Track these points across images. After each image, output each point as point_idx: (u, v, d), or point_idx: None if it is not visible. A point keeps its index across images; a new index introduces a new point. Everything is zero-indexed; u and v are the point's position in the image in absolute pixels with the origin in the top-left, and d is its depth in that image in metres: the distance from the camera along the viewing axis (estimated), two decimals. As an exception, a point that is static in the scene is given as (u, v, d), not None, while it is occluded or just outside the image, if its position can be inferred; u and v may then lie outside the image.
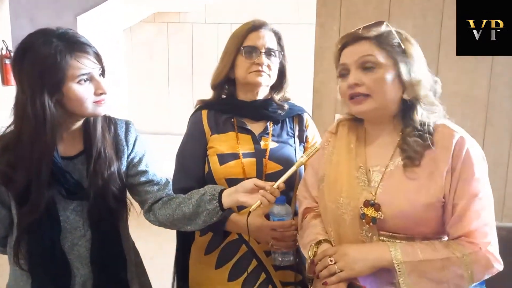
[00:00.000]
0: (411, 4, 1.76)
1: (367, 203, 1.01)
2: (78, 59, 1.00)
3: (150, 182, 1.21)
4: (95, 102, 1.05)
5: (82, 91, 1.02)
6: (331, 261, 1.00)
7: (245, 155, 1.31)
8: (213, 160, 1.31)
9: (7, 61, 3.36)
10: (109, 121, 1.18)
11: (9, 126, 1.06)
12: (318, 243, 1.09)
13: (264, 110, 1.36)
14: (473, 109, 1.76)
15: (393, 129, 1.06)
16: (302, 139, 1.41)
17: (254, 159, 1.31)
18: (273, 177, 1.25)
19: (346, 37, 1.05)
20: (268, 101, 1.38)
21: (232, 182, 1.27)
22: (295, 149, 1.36)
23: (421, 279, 0.93)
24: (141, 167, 1.21)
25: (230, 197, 1.14)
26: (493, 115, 1.76)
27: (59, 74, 0.98)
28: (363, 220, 1.01)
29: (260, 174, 1.30)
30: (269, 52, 1.32)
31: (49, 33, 1.01)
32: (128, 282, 1.21)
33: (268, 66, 1.32)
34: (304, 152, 1.34)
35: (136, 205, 1.25)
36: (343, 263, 0.99)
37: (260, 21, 1.35)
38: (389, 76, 0.99)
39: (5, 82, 3.37)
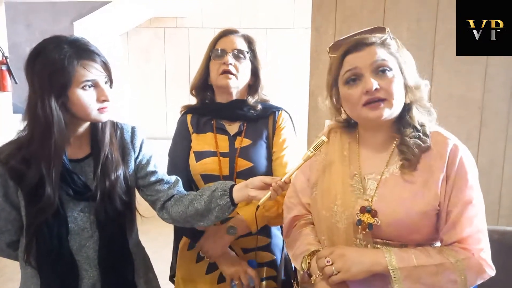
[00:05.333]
0: (406, 8, 1.77)
1: (364, 209, 1.01)
2: (84, 65, 1.05)
3: (160, 181, 1.26)
4: (98, 109, 1.09)
5: (86, 96, 1.06)
6: (328, 261, 0.98)
7: (221, 154, 1.39)
8: (191, 158, 1.41)
9: (4, 68, 3.35)
10: (115, 126, 1.22)
11: (24, 128, 1.10)
12: (311, 254, 1.08)
13: (238, 111, 1.43)
14: (468, 111, 1.77)
15: (389, 133, 1.07)
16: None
17: (227, 158, 1.39)
18: (243, 174, 1.35)
19: (347, 44, 1.04)
20: (243, 101, 1.45)
21: (207, 178, 1.37)
22: (268, 146, 1.43)
23: (415, 284, 0.93)
24: (150, 168, 1.26)
25: (240, 192, 1.18)
26: (488, 117, 1.77)
27: (65, 78, 1.03)
28: (359, 227, 1.01)
29: (232, 171, 1.38)
30: (236, 54, 1.40)
31: (62, 39, 1.06)
32: (136, 285, 1.23)
33: (235, 67, 1.39)
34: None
35: (142, 208, 1.28)
36: (341, 263, 0.97)
37: (232, 28, 1.46)
38: (400, 80, 1.01)
39: (1, 89, 3.36)
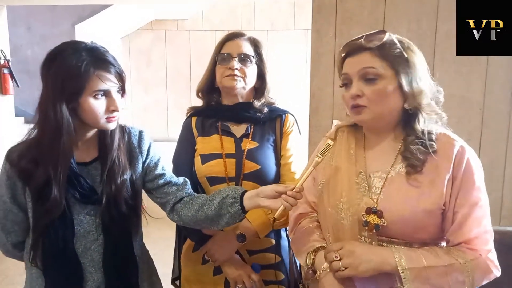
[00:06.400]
0: (405, 9, 1.77)
1: (369, 210, 1.01)
2: (99, 76, 1.05)
3: (169, 183, 1.27)
4: (106, 118, 1.10)
5: (96, 105, 1.07)
6: (336, 257, 0.99)
7: (227, 156, 1.39)
8: (197, 160, 1.41)
9: (6, 71, 3.36)
10: (123, 130, 1.23)
11: (34, 127, 1.11)
12: (316, 250, 1.09)
13: (245, 113, 1.43)
14: (469, 111, 1.77)
15: (393, 137, 1.07)
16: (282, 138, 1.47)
17: (234, 159, 1.38)
18: (250, 176, 1.36)
19: (348, 47, 1.05)
20: (249, 104, 1.45)
21: (212, 180, 1.37)
22: (275, 149, 1.42)
23: (424, 285, 0.94)
24: (158, 171, 1.26)
25: (251, 200, 1.17)
26: (489, 117, 1.77)
27: (79, 86, 1.04)
28: (366, 228, 1.01)
29: (239, 173, 1.37)
30: (242, 58, 1.40)
31: (80, 45, 1.07)
32: None
33: (241, 70, 1.39)
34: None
35: (149, 211, 1.29)
36: (349, 260, 0.97)
37: (238, 32, 1.46)
38: (390, 87, 1.00)
39: (3, 92, 3.37)
